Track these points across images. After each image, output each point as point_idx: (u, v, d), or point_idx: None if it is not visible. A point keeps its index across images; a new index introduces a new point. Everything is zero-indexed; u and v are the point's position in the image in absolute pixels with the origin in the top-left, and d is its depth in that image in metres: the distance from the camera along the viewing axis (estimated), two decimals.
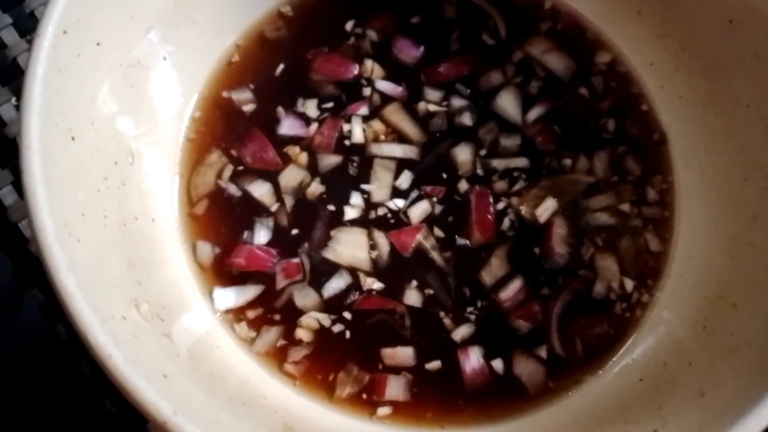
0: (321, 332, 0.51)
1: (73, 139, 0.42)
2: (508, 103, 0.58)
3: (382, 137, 0.57)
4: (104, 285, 0.40)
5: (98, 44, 0.45)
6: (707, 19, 0.52)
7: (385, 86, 0.58)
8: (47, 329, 0.57)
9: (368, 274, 0.53)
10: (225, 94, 0.57)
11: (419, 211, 0.54)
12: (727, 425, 0.35)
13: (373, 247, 0.53)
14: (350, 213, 0.54)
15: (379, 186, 0.55)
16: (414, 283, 0.53)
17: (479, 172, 0.56)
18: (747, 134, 0.50)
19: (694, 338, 0.46)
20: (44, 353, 0.57)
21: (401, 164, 0.56)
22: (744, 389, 0.37)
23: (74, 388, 0.56)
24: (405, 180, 0.55)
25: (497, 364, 0.51)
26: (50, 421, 0.55)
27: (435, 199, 0.55)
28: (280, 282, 0.52)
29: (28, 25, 0.63)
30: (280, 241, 0.53)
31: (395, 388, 0.50)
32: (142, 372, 0.36)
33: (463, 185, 0.55)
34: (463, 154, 0.56)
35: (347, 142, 0.56)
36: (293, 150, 0.56)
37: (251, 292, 0.52)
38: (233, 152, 0.56)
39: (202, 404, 0.40)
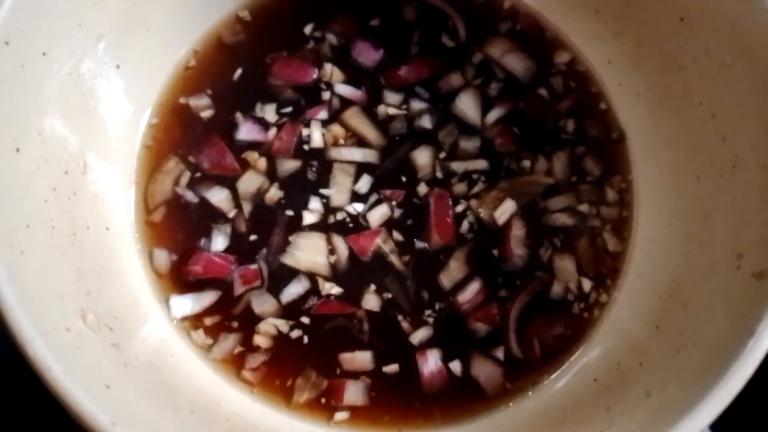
0: (279, 338, 0.51)
1: (17, 150, 0.42)
2: (467, 105, 0.58)
3: (342, 141, 0.57)
4: (48, 296, 0.40)
5: (44, 54, 0.45)
6: (660, 17, 0.52)
7: (344, 90, 0.58)
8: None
9: (327, 279, 0.53)
10: (182, 101, 0.57)
11: (378, 214, 0.54)
12: (670, 425, 0.35)
13: (331, 251, 0.53)
14: (309, 218, 0.54)
15: (338, 190, 0.55)
16: (372, 287, 0.53)
17: (438, 175, 0.56)
18: (699, 132, 0.50)
19: (648, 338, 0.47)
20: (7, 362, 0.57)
21: (360, 168, 0.56)
22: (686, 390, 0.37)
23: (38, 397, 0.55)
24: (364, 184, 0.55)
25: (455, 366, 0.51)
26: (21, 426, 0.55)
27: (394, 202, 0.55)
28: (238, 288, 0.52)
29: None
30: (238, 248, 0.53)
31: (353, 392, 0.50)
32: (82, 383, 0.36)
33: (422, 188, 0.55)
34: (422, 157, 0.56)
35: (306, 147, 0.56)
36: (252, 155, 0.56)
37: (208, 298, 0.52)
38: (191, 159, 0.56)
39: (146, 414, 0.39)
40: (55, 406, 0.54)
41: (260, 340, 0.51)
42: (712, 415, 0.35)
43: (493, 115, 0.57)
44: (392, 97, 0.58)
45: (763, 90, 0.44)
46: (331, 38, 0.60)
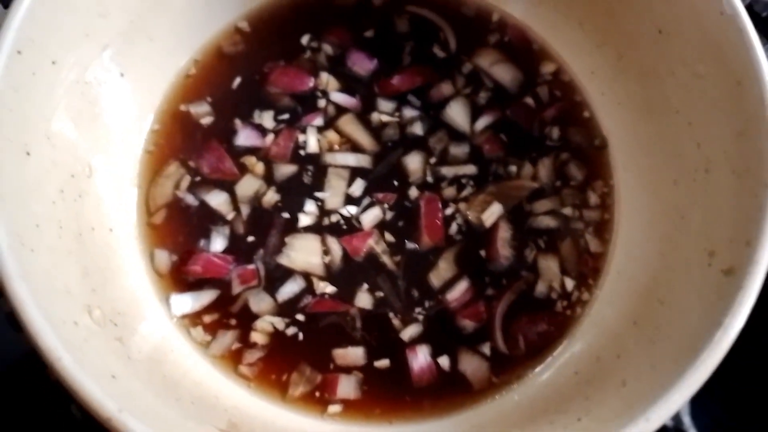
0: (275, 335, 0.53)
1: (28, 154, 0.44)
2: (457, 113, 0.60)
3: (336, 147, 0.59)
4: (57, 292, 0.42)
5: (53, 63, 0.47)
6: (639, 29, 0.55)
7: (339, 98, 0.61)
8: (14, 338, 0.59)
9: (321, 278, 0.55)
10: (183, 108, 0.59)
11: (371, 217, 0.57)
12: (640, 412, 0.37)
13: (326, 252, 0.56)
14: (304, 220, 0.56)
15: (332, 194, 0.57)
16: (365, 286, 0.55)
17: (429, 179, 0.58)
18: (676, 139, 0.52)
19: (626, 332, 0.49)
20: (10, 362, 0.59)
21: (354, 172, 0.58)
22: (659, 378, 0.39)
23: (39, 395, 0.57)
24: (358, 188, 0.57)
25: (443, 362, 0.53)
26: (16, 426, 0.57)
27: (386, 205, 0.57)
28: (236, 287, 0.54)
29: None
30: (236, 249, 0.55)
31: (346, 386, 0.52)
32: (90, 373, 0.38)
33: (413, 192, 0.57)
34: (414, 162, 0.59)
35: (302, 152, 0.59)
36: (250, 160, 0.58)
37: (207, 297, 0.54)
38: (191, 163, 0.58)
39: (150, 403, 0.41)
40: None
41: (257, 337, 0.53)
42: (680, 401, 0.37)
43: (482, 122, 0.60)
44: (385, 105, 0.60)
45: (732, 99, 0.46)
46: (327, 48, 0.62)
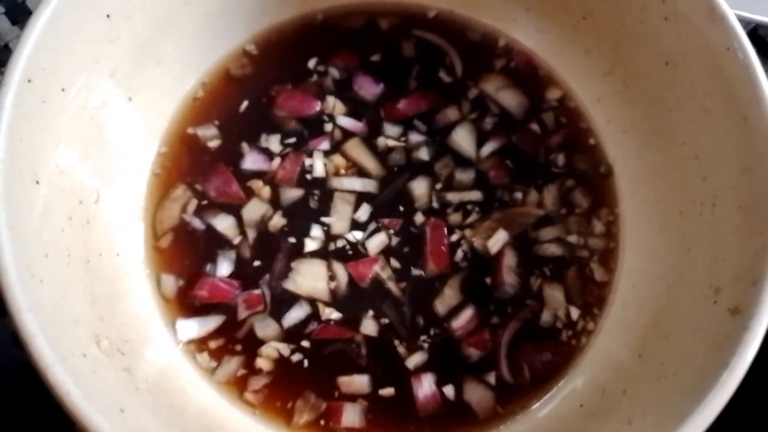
0: (280, 361, 0.53)
1: (37, 183, 0.44)
2: (463, 138, 0.61)
3: (343, 171, 0.59)
4: (66, 323, 0.42)
5: (63, 90, 0.48)
6: (646, 60, 0.55)
7: (346, 122, 0.61)
8: (18, 358, 0.59)
9: (327, 304, 0.55)
10: (190, 131, 0.59)
11: (377, 242, 0.57)
12: None
13: (331, 278, 0.56)
14: (310, 245, 0.57)
15: (338, 218, 0.58)
16: (371, 312, 0.55)
17: (435, 205, 0.58)
18: (682, 170, 0.53)
19: (632, 366, 0.49)
20: (15, 379, 0.59)
21: (360, 197, 0.58)
22: (665, 417, 0.39)
23: (44, 412, 0.57)
24: (364, 213, 0.58)
25: (448, 390, 0.53)
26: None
27: (392, 231, 0.57)
28: (242, 313, 0.54)
29: (2, 57, 0.67)
30: (243, 273, 0.56)
31: (351, 415, 0.52)
32: (99, 407, 0.38)
33: (419, 218, 0.58)
34: (419, 187, 0.59)
35: (309, 176, 0.59)
36: (256, 184, 0.58)
37: (213, 322, 0.54)
38: (198, 187, 0.58)
39: None
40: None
41: (262, 363, 0.53)
42: None
43: (488, 148, 0.60)
44: (391, 130, 0.61)
45: (739, 136, 0.47)
46: (334, 72, 0.62)
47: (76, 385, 0.38)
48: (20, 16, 0.71)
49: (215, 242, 0.56)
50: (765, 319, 0.40)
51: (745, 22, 0.69)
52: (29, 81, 0.44)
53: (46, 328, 0.39)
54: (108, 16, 0.50)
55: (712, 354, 0.41)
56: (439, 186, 0.59)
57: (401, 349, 0.54)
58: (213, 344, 0.54)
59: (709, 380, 0.39)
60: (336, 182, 0.59)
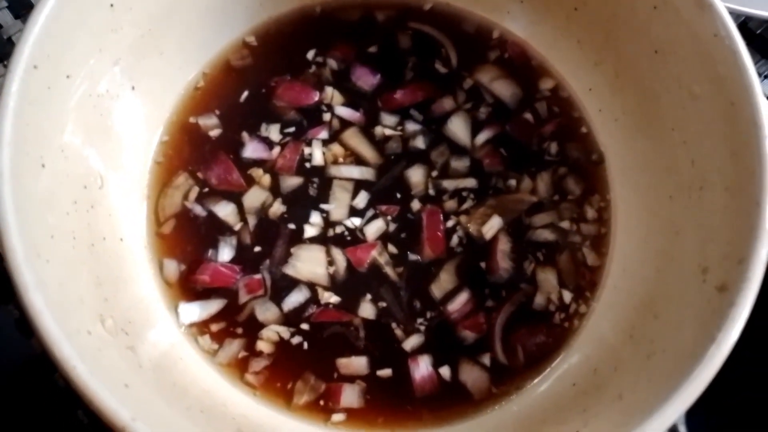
0: (280, 344, 0.55)
1: (43, 166, 0.46)
2: (458, 127, 0.62)
3: (341, 160, 0.61)
4: (71, 302, 0.43)
5: (68, 77, 0.49)
6: (636, 49, 0.57)
7: (344, 112, 0.62)
8: (22, 344, 0.60)
9: (326, 288, 0.56)
10: (192, 120, 0.61)
11: (374, 228, 0.58)
12: (637, 424, 0.39)
13: (330, 263, 0.57)
14: (310, 231, 0.58)
15: (337, 205, 0.59)
16: (368, 296, 0.56)
17: (431, 192, 0.59)
18: (671, 156, 0.54)
19: (622, 345, 0.50)
20: (19, 367, 0.60)
21: (358, 185, 0.59)
22: (654, 393, 0.40)
23: (47, 399, 0.58)
24: (362, 200, 0.59)
25: (444, 372, 0.54)
26: (23, 430, 0.58)
27: (389, 217, 0.58)
28: (243, 297, 0.56)
29: (5, 51, 0.68)
30: (243, 259, 0.57)
31: (349, 395, 0.53)
32: (104, 382, 0.39)
33: (415, 204, 0.59)
34: (416, 175, 0.60)
35: (308, 165, 0.60)
36: (257, 172, 0.59)
37: (215, 306, 0.55)
38: (199, 175, 0.59)
39: (161, 412, 0.43)
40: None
41: (263, 346, 0.54)
42: (675, 415, 0.38)
43: (482, 137, 0.62)
44: (388, 119, 0.62)
45: (726, 120, 0.48)
46: (332, 63, 0.64)
47: (82, 360, 0.39)
48: (22, 10, 0.72)
49: (216, 228, 0.58)
50: (751, 295, 0.41)
51: (735, 15, 0.71)
52: (35, 67, 0.45)
53: (52, 306, 0.40)
54: (111, 5, 0.52)
55: (701, 330, 0.42)
56: (435, 174, 0.60)
57: (398, 332, 0.55)
58: (214, 327, 0.55)
59: (697, 355, 0.40)
60: (334, 170, 0.60)
